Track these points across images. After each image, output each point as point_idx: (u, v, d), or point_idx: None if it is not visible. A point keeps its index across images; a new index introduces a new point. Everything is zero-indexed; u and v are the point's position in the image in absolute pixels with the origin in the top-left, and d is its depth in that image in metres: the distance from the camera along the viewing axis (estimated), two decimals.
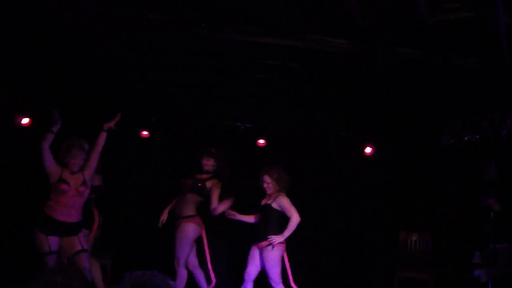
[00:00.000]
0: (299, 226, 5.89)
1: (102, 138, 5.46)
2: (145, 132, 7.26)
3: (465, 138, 6.13)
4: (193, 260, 6.21)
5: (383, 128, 7.28)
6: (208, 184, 6.10)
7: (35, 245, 5.14)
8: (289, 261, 6.18)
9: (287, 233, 5.83)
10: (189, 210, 6.04)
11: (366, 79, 5.91)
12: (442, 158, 7.08)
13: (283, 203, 5.93)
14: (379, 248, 7.49)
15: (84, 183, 5.31)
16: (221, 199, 6.12)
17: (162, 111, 7.20)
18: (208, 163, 6.21)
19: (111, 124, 5.52)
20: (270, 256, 5.84)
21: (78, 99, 6.85)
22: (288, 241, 5.94)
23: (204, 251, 6.34)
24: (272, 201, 5.96)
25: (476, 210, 6.36)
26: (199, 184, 6.07)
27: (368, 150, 7.35)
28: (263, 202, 6.07)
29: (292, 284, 6.18)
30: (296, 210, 5.89)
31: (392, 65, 5.22)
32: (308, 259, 7.34)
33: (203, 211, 6.16)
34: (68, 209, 5.24)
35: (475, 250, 6.31)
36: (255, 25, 4.76)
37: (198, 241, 6.24)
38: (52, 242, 5.14)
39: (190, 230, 5.99)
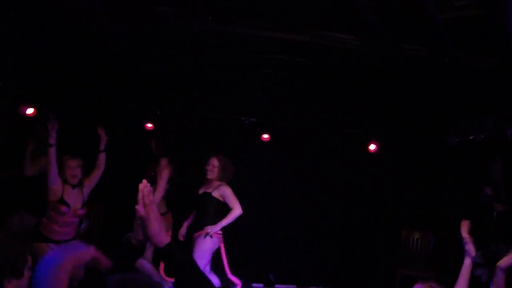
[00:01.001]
0: (302, 221, 5.83)
1: (102, 158, 5.46)
2: (149, 125, 7.25)
3: (470, 138, 6.10)
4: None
5: (388, 125, 7.25)
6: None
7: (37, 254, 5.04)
8: (291, 256, 6.13)
9: (224, 222, 5.50)
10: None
11: (372, 76, 5.89)
12: (447, 157, 7.06)
13: (227, 193, 5.59)
14: (380, 245, 7.49)
15: (83, 205, 5.25)
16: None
17: (167, 103, 7.19)
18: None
19: (103, 143, 5.53)
20: (202, 247, 5.45)
21: (83, 91, 6.85)
22: (294, 237, 5.89)
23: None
24: (213, 190, 5.62)
25: (479, 209, 6.34)
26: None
27: (372, 147, 7.33)
28: (202, 190, 5.70)
29: (230, 275, 5.85)
30: (238, 202, 5.57)
31: (398, 62, 5.20)
32: (310, 256, 7.34)
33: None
34: (64, 229, 5.15)
35: (476, 249, 6.28)
36: (262, 19, 4.75)
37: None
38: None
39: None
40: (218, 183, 5.67)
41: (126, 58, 6.08)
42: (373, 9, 4.12)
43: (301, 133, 7.27)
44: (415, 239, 7.29)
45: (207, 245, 5.48)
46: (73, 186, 5.21)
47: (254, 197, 6.42)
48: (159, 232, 1.83)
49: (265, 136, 7.29)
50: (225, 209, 5.63)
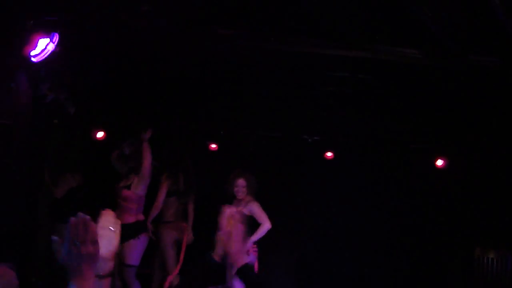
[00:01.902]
0: (369, 240, 5.74)
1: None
2: (213, 145, 7.36)
3: None
4: None
5: (455, 139, 7.02)
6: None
7: None
8: (358, 274, 6.03)
9: (254, 238, 5.60)
10: None
11: (437, 90, 5.74)
12: None
13: (256, 209, 5.74)
14: (452, 266, 7.19)
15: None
16: None
17: (230, 124, 7.29)
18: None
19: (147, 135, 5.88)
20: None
21: (151, 112, 7.06)
22: (358, 256, 5.80)
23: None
24: (243, 207, 5.68)
25: None
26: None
27: (439, 162, 7.11)
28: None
29: None
30: (267, 217, 5.72)
31: (465, 74, 5.05)
32: (376, 278, 7.14)
33: None
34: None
35: None
36: (324, 37, 4.75)
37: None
38: None
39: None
40: (246, 199, 5.87)
41: (189, 79, 6.23)
42: (437, 21, 4.03)
43: (366, 150, 7.15)
44: (490, 259, 6.93)
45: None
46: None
47: (318, 215, 6.36)
48: (239, 251, 1.84)
49: (329, 154, 7.23)
50: (253, 224, 5.77)
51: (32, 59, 4.32)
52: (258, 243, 6.00)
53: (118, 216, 2.00)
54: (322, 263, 7.04)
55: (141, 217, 5.85)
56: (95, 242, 1.58)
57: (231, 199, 6.12)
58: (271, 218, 6.11)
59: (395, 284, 7.25)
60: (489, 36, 4.16)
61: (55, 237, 1.64)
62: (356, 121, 6.96)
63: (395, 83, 5.70)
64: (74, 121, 6.35)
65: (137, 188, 5.75)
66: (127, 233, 5.39)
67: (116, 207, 5.64)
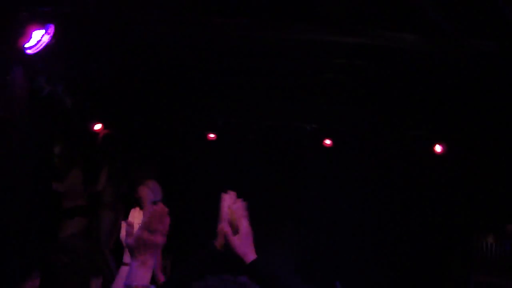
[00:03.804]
0: (369, 227, 5.75)
1: None
2: (211, 135, 7.34)
3: None
4: None
5: (456, 126, 7.01)
6: None
7: None
8: (359, 263, 6.02)
9: None
10: None
11: (436, 75, 5.70)
12: None
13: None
14: (452, 251, 7.21)
15: None
16: None
17: (228, 113, 7.26)
18: None
19: None
20: None
21: (147, 103, 7.03)
22: (360, 244, 5.81)
23: None
24: None
25: None
26: None
27: (438, 148, 7.10)
28: None
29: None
30: None
31: (465, 60, 5.01)
32: (377, 263, 7.17)
33: None
34: None
35: None
36: (320, 23, 4.70)
37: None
38: None
39: None
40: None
41: (185, 69, 6.19)
42: (436, 6, 4.00)
43: (365, 137, 7.14)
44: (489, 243, 6.95)
45: None
46: None
47: (317, 203, 6.36)
48: (247, 247, 1.81)
49: (328, 142, 7.22)
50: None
51: (27, 51, 4.27)
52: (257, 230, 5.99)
53: None
54: (321, 252, 7.05)
55: None
56: (164, 235, 1.65)
57: (231, 188, 6.08)
58: (270, 206, 6.12)
59: (397, 270, 7.28)
60: (488, 21, 4.12)
61: (127, 220, 1.71)
62: (355, 108, 6.94)
63: (393, 70, 5.66)
64: (72, 114, 6.32)
65: None
66: None
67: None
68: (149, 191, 5.22)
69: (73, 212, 6.28)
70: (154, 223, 1.66)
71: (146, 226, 1.65)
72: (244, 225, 1.87)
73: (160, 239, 1.68)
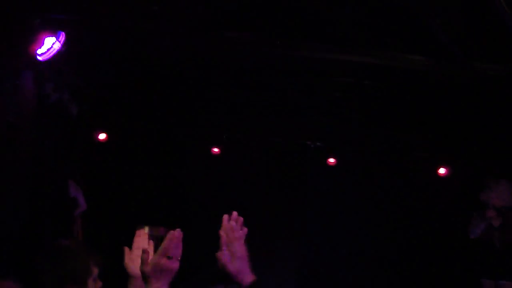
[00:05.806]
0: (370, 250, 5.69)
1: None
2: (216, 150, 7.33)
3: None
4: None
5: (460, 148, 7.01)
6: None
7: None
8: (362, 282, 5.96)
9: None
10: None
11: (442, 98, 5.73)
12: None
13: None
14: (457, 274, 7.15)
15: None
16: None
17: (233, 128, 7.27)
18: None
19: None
20: None
21: (153, 114, 7.05)
22: (362, 263, 5.73)
23: None
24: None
25: None
26: None
27: (442, 171, 7.09)
28: None
29: None
30: None
31: (472, 82, 5.04)
32: (382, 281, 7.10)
33: None
34: None
35: None
36: (329, 42, 4.74)
37: None
38: None
39: None
40: None
41: (192, 83, 6.22)
42: (444, 28, 4.03)
43: (369, 157, 7.14)
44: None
45: None
46: None
47: (320, 221, 6.33)
48: (243, 269, 1.81)
49: (331, 160, 7.20)
50: None
51: (38, 57, 4.31)
52: (258, 247, 5.96)
53: None
54: (323, 270, 7.00)
55: None
56: (179, 260, 1.67)
57: (233, 206, 6.06)
58: (272, 223, 6.10)
59: None
60: (496, 45, 4.15)
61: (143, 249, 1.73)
62: (360, 127, 6.95)
63: (400, 90, 5.68)
64: (76, 122, 6.33)
65: None
66: None
67: None
68: None
69: None
70: (171, 249, 1.66)
71: (164, 252, 1.65)
72: (237, 248, 1.86)
73: (176, 264, 1.69)
